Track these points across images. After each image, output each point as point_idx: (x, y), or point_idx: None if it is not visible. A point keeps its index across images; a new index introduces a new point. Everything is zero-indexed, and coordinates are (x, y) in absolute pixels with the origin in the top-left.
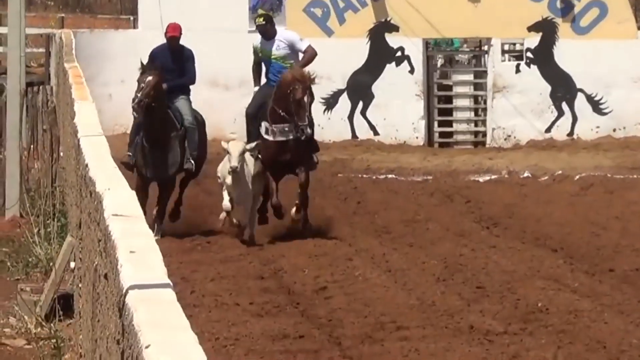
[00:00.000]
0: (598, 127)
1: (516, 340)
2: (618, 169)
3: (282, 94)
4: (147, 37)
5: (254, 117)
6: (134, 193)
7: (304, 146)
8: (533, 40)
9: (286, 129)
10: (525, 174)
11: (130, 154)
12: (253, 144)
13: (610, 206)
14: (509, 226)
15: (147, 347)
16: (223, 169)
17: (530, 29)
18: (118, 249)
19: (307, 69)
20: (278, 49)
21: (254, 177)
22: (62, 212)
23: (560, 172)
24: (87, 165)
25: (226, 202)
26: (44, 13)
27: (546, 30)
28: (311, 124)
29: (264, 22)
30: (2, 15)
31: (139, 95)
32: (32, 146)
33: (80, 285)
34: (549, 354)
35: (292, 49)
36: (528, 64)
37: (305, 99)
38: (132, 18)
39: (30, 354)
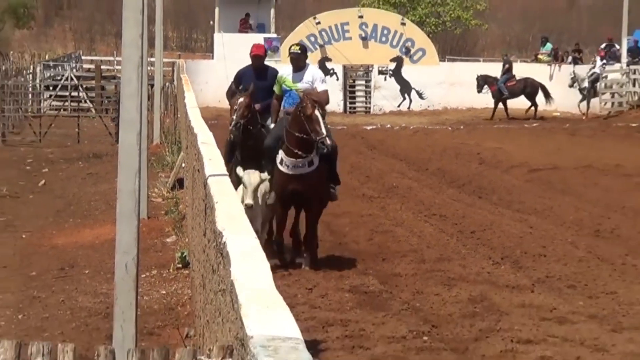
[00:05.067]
0: (421, 105)
1: (384, 200)
2: (430, 124)
3: (294, 118)
4: (218, 63)
5: (272, 149)
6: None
7: (319, 179)
8: (392, 65)
9: (300, 164)
10: (388, 126)
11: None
12: (268, 176)
13: (426, 140)
14: (381, 149)
15: (216, 202)
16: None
17: (391, 60)
18: (204, 157)
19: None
20: (302, 82)
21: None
22: (179, 141)
23: (404, 125)
24: (190, 120)
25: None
26: (171, 52)
27: (398, 61)
28: (334, 149)
29: (299, 51)
30: (152, 53)
31: (234, 117)
32: (165, 112)
33: (186, 174)
34: (398, 205)
35: (312, 85)
36: (390, 77)
37: (316, 112)
38: (211, 54)
39: (164, 205)
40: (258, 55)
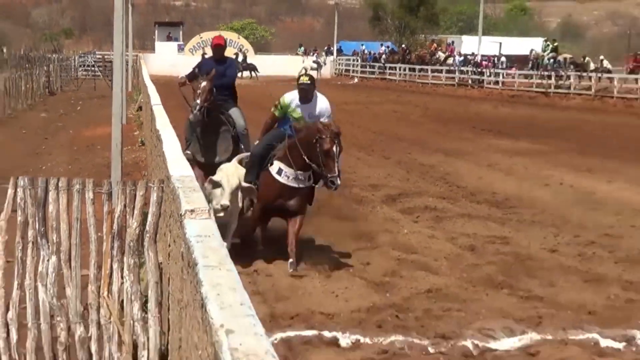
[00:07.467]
0: (256, 77)
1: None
2: (261, 85)
3: (307, 141)
4: (157, 56)
5: (261, 157)
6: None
7: (308, 196)
8: (238, 56)
9: (300, 176)
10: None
11: (188, 151)
12: (247, 185)
13: (263, 92)
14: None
15: (156, 116)
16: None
17: (234, 54)
18: (150, 96)
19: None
20: (310, 117)
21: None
22: (139, 89)
23: (252, 85)
24: (144, 80)
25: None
26: (135, 50)
27: (239, 54)
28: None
29: (309, 82)
30: (127, 50)
31: (198, 102)
32: (133, 76)
33: (143, 104)
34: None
35: (319, 118)
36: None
37: (334, 149)
38: (154, 51)
39: (134, 117)
40: (218, 44)
